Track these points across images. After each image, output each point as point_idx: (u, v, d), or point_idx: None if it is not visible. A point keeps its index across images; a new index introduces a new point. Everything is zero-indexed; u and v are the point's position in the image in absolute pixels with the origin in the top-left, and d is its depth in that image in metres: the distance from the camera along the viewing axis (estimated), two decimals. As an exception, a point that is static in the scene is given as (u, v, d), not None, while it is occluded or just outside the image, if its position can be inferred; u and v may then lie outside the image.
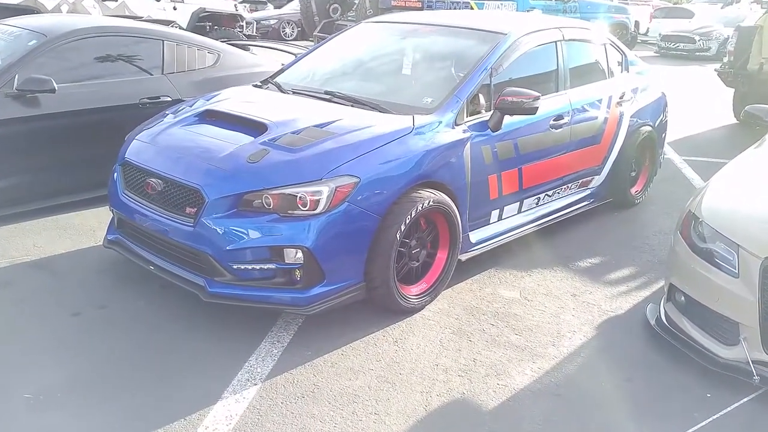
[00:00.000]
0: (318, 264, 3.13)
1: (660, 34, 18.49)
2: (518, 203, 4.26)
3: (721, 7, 23.31)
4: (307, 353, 3.17)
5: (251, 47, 6.81)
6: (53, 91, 4.49)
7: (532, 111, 3.85)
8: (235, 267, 3.15)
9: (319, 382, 2.95)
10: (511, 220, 4.26)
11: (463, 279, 3.97)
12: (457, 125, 3.71)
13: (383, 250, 3.30)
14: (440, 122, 3.64)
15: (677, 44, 18.00)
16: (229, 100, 4.04)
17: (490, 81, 3.96)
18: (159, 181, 3.36)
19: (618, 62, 5.28)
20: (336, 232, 3.15)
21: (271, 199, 3.12)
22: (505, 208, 4.17)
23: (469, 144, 3.73)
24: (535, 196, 4.40)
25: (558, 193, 4.63)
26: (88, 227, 4.56)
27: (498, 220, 4.16)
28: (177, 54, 5.31)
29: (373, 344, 3.27)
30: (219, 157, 3.29)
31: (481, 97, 3.91)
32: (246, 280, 3.19)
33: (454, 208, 3.63)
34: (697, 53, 17.46)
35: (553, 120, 4.34)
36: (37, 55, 4.66)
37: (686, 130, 8.25)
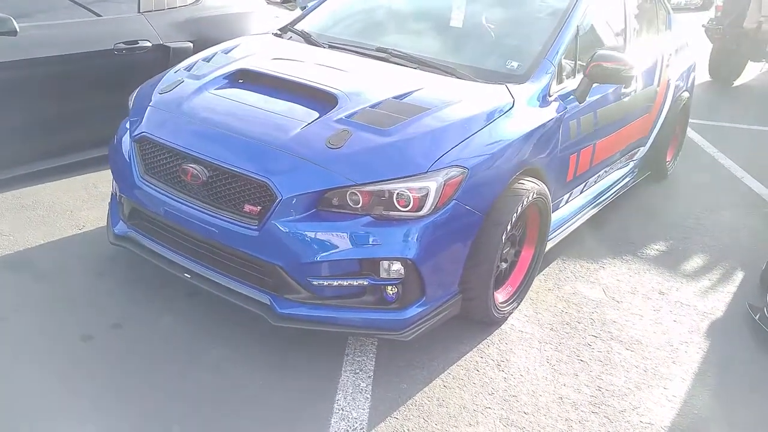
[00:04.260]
0: (421, 279, 2.47)
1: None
2: (584, 183, 3.74)
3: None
4: (403, 386, 2.54)
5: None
6: (14, 33, 3.45)
7: (628, 81, 3.30)
8: (315, 283, 2.44)
9: (435, 431, 2.35)
10: (574, 203, 3.73)
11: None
12: (550, 96, 3.09)
13: (486, 256, 2.68)
14: (537, 93, 3.00)
15: None
16: (258, 56, 3.20)
17: (576, 41, 3.34)
18: (202, 168, 2.53)
19: (664, 20, 4.78)
20: (441, 238, 2.49)
21: (360, 197, 2.41)
22: (574, 189, 3.64)
23: (562, 119, 3.13)
24: (597, 174, 3.89)
25: (611, 168, 4.14)
26: (62, 207, 3.64)
27: (565, 204, 3.62)
28: (156, -12, 4.31)
29: (474, 370, 2.69)
30: (286, 140, 2.51)
31: (564, 61, 3.28)
32: (325, 299, 2.50)
33: (550, 198, 3.05)
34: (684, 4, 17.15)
35: (624, 87, 3.80)
36: (-15, -17, 3.58)
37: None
